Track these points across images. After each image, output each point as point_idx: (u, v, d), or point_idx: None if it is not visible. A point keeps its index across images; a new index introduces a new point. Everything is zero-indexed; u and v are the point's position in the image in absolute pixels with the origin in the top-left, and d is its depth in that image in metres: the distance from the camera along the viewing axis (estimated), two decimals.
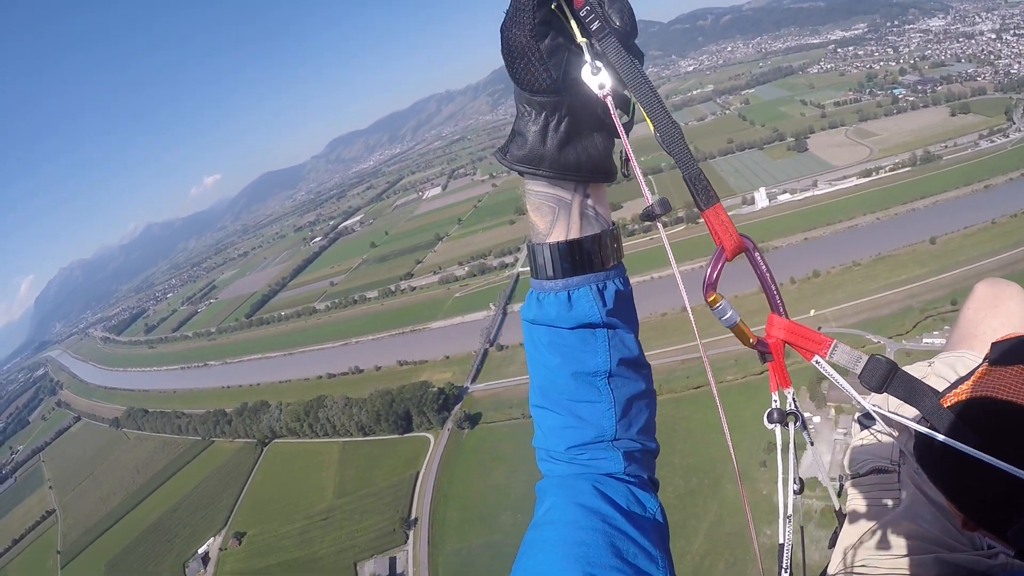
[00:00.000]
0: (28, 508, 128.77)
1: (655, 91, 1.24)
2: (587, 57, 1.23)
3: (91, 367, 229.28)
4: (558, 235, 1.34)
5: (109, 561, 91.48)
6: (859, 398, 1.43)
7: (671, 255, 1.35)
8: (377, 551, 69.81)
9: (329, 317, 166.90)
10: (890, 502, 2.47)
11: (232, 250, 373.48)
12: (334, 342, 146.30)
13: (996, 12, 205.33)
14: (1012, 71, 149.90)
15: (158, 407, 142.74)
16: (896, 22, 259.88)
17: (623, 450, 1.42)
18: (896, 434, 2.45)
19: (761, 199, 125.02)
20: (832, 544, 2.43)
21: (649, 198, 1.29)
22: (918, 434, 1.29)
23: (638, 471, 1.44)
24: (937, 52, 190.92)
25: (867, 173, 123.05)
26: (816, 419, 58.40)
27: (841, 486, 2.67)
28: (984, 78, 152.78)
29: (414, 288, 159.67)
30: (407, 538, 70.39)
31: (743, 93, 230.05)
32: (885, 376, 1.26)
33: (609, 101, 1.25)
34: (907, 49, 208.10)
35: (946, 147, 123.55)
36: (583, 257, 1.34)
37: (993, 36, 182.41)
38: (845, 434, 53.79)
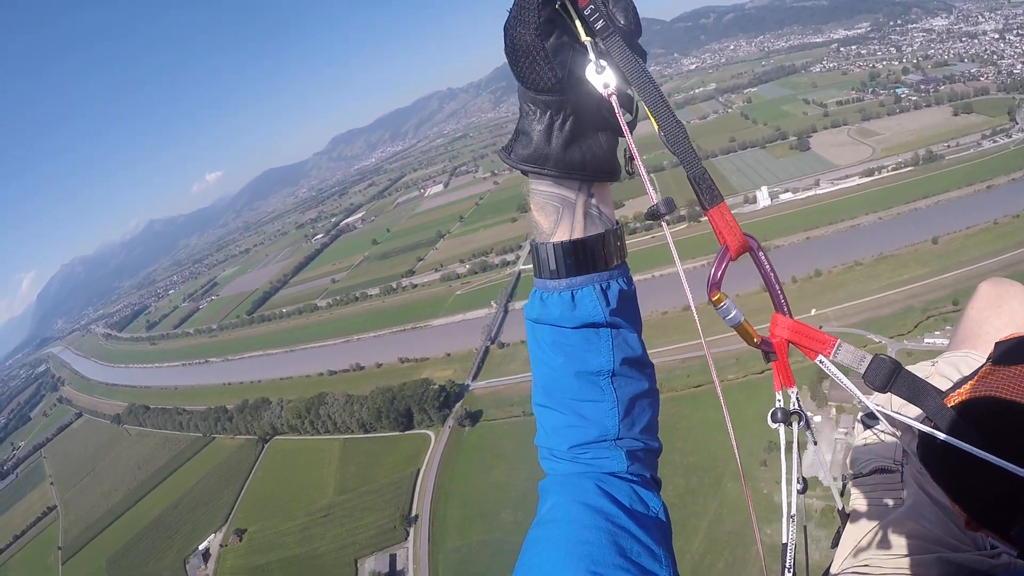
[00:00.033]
0: (29, 504, 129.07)
1: (659, 90, 1.23)
2: (591, 56, 1.23)
3: (93, 363, 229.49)
4: (562, 235, 1.34)
5: (110, 557, 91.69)
6: (863, 398, 1.44)
7: (676, 255, 1.35)
8: (377, 548, 69.88)
9: (330, 314, 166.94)
10: (893, 502, 2.46)
11: (234, 247, 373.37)
12: (335, 339, 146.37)
13: (999, 12, 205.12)
14: (1015, 71, 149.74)
15: (159, 404, 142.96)
16: (899, 21, 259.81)
17: (626, 449, 1.43)
18: (899, 434, 2.44)
19: (763, 198, 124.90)
20: (835, 544, 2.43)
21: (654, 197, 1.29)
22: (922, 434, 1.29)
23: (641, 470, 1.45)
24: (940, 52, 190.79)
25: (869, 172, 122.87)
26: (817, 419, 58.32)
27: (844, 486, 2.66)
28: (987, 78, 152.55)
29: (415, 285, 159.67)
30: (407, 535, 70.46)
31: (745, 92, 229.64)
32: (889, 376, 1.26)
33: (613, 100, 1.25)
34: (910, 48, 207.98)
35: (948, 147, 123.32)
36: (587, 257, 1.34)
37: (996, 36, 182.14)
38: (846, 433, 53.85)
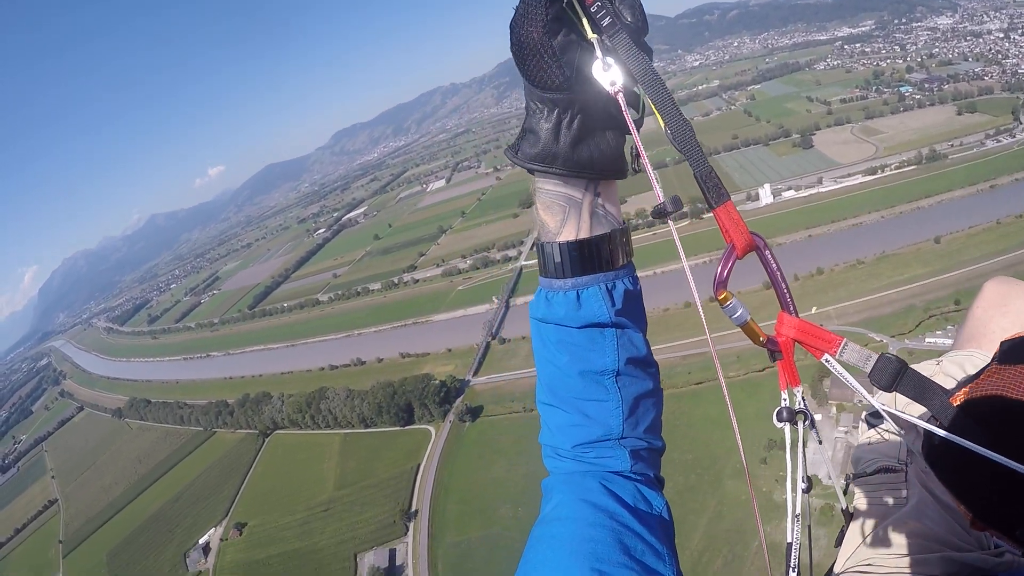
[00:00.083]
0: (30, 498, 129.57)
1: (666, 88, 1.22)
2: (598, 53, 1.22)
3: (94, 357, 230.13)
4: (568, 234, 1.34)
5: (111, 551, 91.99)
6: (869, 397, 1.43)
7: (683, 255, 1.35)
8: (377, 543, 70.02)
9: (332, 309, 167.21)
10: (897, 501, 2.43)
11: (235, 241, 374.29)
12: (336, 334, 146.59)
13: (1004, 11, 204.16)
14: (1020, 71, 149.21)
15: (160, 397, 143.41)
16: (904, 19, 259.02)
17: (630, 448, 1.43)
18: (904, 433, 2.44)
19: (766, 195, 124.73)
20: (838, 543, 2.42)
21: (661, 196, 1.28)
22: (927, 433, 1.28)
23: (644, 469, 1.45)
24: (944, 50, 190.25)
25: (872, 171, 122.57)
26: (817, 417, 58.21)
27: (848, 485, 2.63)
28: (991, 77, 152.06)
29: (417, 280, 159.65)
30: (407, 530, 70.58)
31: (749, 89, 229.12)
32: (895, 375, 1.25)
33: (620, 98, 1.24)
34: (914, 47, 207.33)
35: (952, 146, 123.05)
36: (593, 256, 1.34)
37: (1001, 35, 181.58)
38: (846, 432, 53.92)
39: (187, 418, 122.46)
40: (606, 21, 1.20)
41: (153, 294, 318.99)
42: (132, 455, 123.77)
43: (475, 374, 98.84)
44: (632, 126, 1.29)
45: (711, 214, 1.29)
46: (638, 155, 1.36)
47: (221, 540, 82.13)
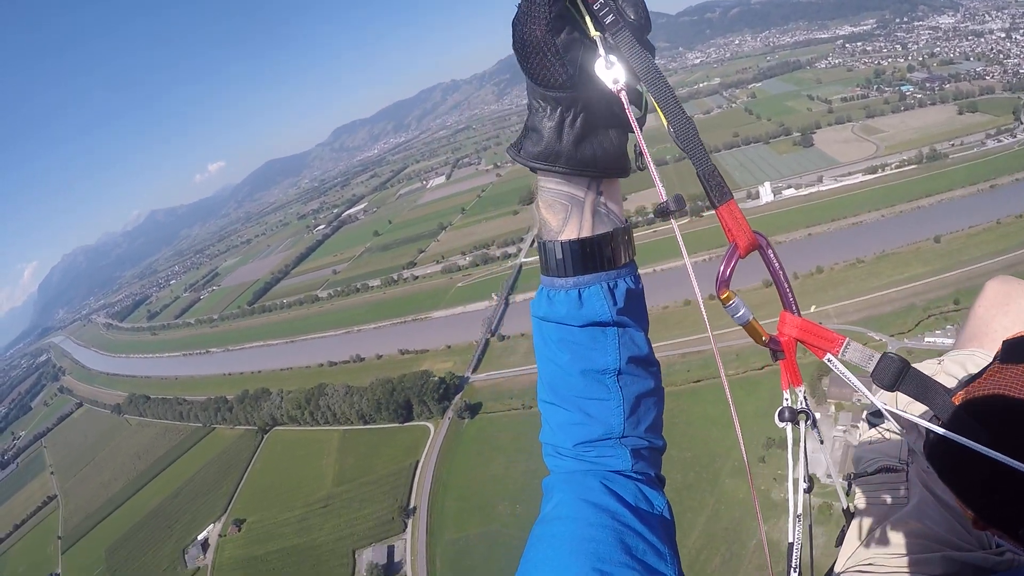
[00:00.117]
0: (30, 493, 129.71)
1: (669, 86, 1.23)
2: (601, 51, 1.21)
3: (93, 353, 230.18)
4: (570, 232, 1.34)
5: (109, 547, 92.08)
6: (872, 397, 1.44)
7: (686, 255, 1.35)
8: (376, 539, 70.09)
9: (331, 305, 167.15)
10: (897, 501, 2.42)
11: (235, 237, 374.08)
12: (336, 330, 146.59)
13: (1006, 11, 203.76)
14: (1021, 71, 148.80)
15: (160, 394, 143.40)
16: (905, 18, 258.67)
17: (631, 448, 1.43)
18: (905, 432, 2.44)
19: (766, 194, 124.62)
20: (839, 542, 2.42)
21: (663, 195, 1.28)
22: (929, 432, 1.28)
23: (645, 468, 1.45)
24: (946, 50, 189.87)
25: (873, 170, 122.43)
26: (816, 416, 58.37)
27: (848, 484, 2.63)
28: (992, 77, 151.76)
29: (417, 277, 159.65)
30: (405, 527, 70.66)
31: (750, 87, 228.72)
32: (897, 374, 1.25)
33: (623, 96, 1.24)
34: (916, 46, 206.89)
35: (952, 145, 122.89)
36: (595, 255, 1.34)
37: (1003, 35, 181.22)
38: (844, 431, 53.89)
39: (186, 414, 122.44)
40: (609, 19, 1.20)
41: (153, 290, 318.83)
42: (131, 451, 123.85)
43: (474, 371, 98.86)
44: (635, 124, 1.29)
45: (713, 212, 1.29)
46: (641, 153, 1.35)
47: (220, 536, 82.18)
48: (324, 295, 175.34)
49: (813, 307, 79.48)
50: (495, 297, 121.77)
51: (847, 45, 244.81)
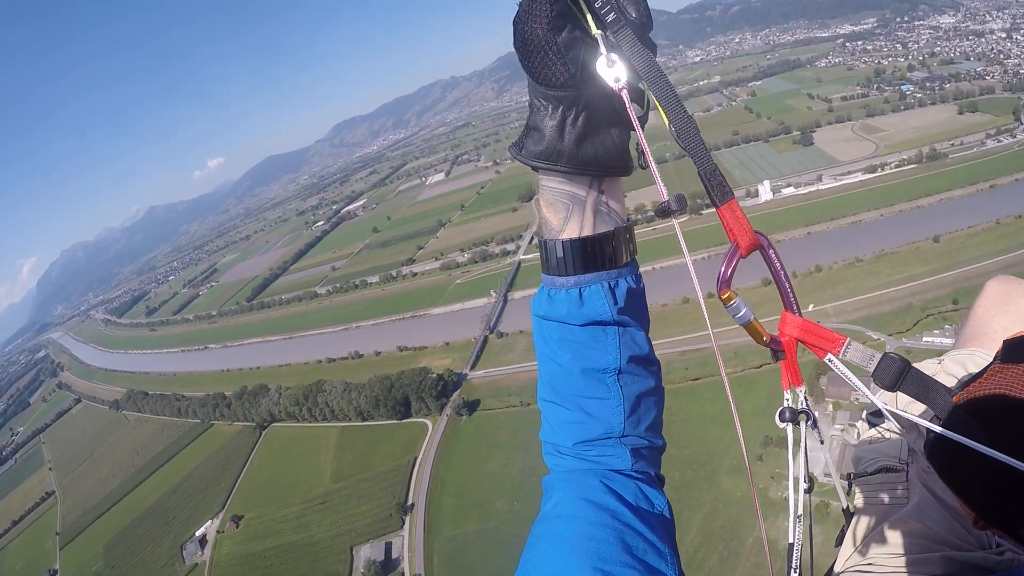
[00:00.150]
0: (28, 489, 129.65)
1: (671, 85, 1.22)
2: (602, 49, 1.21)
3: (92, 349, 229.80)
4: (572, 231, 1.33)
5: (107, 543, 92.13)
6: (873, 397, 1.44)
7: (687, 255, 1.34)
8: (373, 536, 70.16)
9: (330, 301, 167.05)
10: (897, 501, 2.42)
11: (234, 233, 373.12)
12: (334, 327, 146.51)
13: (1007, 11, 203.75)
14: (1021, 71, 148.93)
15: (158, 390, 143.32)
16: (906, 18, 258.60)
17: (631, 447, 1.43)
18: (905, 432, 2.41)
19: (765, 192, 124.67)
20: (839, 542, 2.42)
21: (665, 194, 1.28)
22: (929, 432, 1.28)
23: (645, 467, 1.45)
24: (946, 49, 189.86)
25: (872, 169, 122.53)
26: (816, 416, 58.48)
27: (849, 484, 2.63)
28: (993, 77, 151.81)
29: (415, 274, 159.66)
30: (403, 523, 70.75)
31: (750, 85, 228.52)
32: (899, 374, 1.25)
33: (624, 94, 1.23)
34: (916, 45, 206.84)
35: (952, 145, 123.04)
36: (596, 254, 1.33)
37: (1003, 35, 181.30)
38: (842, 430, 53.93)
39: (184, 410, 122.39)
40: (610, 17, 1.19)
41: (151, 286, 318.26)
42: (129, 447, 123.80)
43: (472, 368, 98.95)
44: (636, 123, 1.28)
45: (712, 210, 1.29)
46: (642, 152, 1.35)
47: (218, 532, 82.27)
48: (323, 291, 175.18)
49: (811, 306, 79.59)
50: (494, 294, 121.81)
51: (847, 44, 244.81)
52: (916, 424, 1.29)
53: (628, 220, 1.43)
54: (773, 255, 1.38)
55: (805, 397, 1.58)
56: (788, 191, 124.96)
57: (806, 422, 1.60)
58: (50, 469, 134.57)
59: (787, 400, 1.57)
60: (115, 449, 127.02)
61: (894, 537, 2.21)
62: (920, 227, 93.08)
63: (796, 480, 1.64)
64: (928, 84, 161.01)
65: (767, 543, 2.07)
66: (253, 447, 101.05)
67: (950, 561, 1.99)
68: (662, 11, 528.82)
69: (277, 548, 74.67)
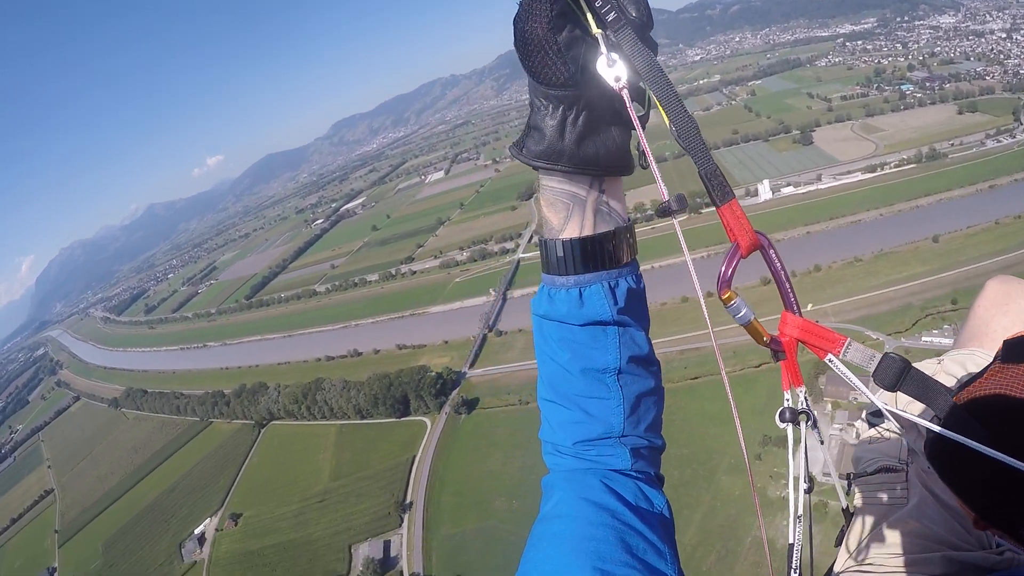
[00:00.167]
0: (27, 487, 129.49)
1: (671, 84, 1.22)
2: (603, 49, 1.20)
3: (91, 347, 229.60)
4: (572, 231, 1.33)
5: (106, 541, 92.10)
6: (873, 398, 1.43)
7: (687, 255, 1.34)
8: (372, 534, 70.18)
9: (329, 300, 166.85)
10: (897, 501, 2.41)
11: (233, 231, 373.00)
12: (333, 325, 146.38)
13: (1007, 11, 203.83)
14: (1021, 71, 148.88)
15: (157, 387, 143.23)
16: (906, 17, 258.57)
17: (630, 447, 1.43)
18: (905, 432, 2.42)
19: (764, 191, 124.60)
20: (839, 542, 2.42)
21: (665, 194, 1.27)
22: (930, 432, 1.27)
23: (645, 467, 1.45)
24: (946, 49, 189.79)
25: (872, 169, 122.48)
26: (815, 416, 58.51)
27: (849, 484, 2.62)
28: (993, 77, 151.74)
29: (414, 272, 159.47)
30: (402, 522, 70.76)
31: (750, 84, 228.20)
32: (899, 374, 1.25)
33: (625, 94, 1.23)
34: (916, 45, 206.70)
35: (952, 145, 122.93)
36: (596, 254, 1.33)
37: (1003, 35, 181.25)
38: (841, 430, 53.96)
39: (183, 408, 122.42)
40: (611, 16, 1.18)
41: (150, 284, 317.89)
42: (128, 445, 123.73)
43: (471, 366, 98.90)
44: (637, 123, 1.28)
45: (712, 209, 1.29)
46: (643, 152, 1.34)
47: (216, 530, 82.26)
48: (322, 289, 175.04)
49: (810, 305, 79.59)
50: (493, 292, 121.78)
51: (847, 43, 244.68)
52: (916, 424, 1.29)
53: (629, 220, 1.43)
54: (773, 255, 1.37)
55: (805, 397, 1.58)
56: (787, 190, 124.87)
57: (806, 422, 1.60)
58: (49, 467, 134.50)
59: (787, 400, 1.57)
60: (114, 447, 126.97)
61: (894, 537, 2.22)
62: (919, 227, 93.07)
63: (796, 480, 1.64)
64: (928, 84, 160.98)
65: (766, 542, 2.14)
66: (252, 445, 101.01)
67: (950, 561, 1.99)
68: (662, 10, 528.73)
69: (276, 546, 74.65)
